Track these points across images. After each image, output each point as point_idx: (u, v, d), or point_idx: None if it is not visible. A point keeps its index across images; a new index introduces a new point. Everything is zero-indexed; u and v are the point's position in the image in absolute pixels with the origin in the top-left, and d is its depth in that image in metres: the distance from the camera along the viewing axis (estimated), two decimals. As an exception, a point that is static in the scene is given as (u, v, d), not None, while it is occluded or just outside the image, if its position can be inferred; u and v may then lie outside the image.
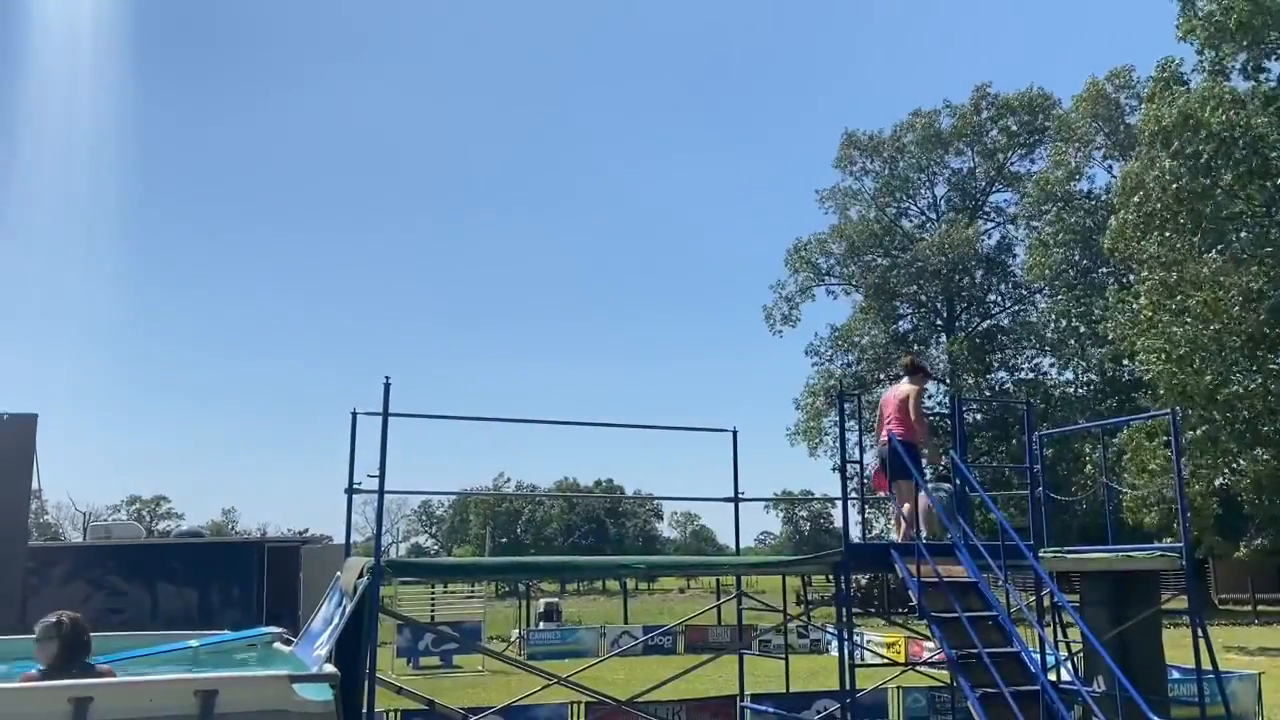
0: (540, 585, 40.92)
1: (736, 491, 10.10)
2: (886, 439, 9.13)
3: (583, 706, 10.96)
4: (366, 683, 6.89)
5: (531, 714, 10.69)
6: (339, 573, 7.95)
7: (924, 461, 9.49)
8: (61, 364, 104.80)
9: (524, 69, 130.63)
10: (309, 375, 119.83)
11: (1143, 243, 26.85)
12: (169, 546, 17.11)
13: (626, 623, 34.85)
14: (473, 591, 28.25)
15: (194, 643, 6.91)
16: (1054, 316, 44.14)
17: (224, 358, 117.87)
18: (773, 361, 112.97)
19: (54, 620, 4.98)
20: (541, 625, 32.17)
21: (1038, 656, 8.17)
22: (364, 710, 6.84)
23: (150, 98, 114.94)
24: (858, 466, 9.83)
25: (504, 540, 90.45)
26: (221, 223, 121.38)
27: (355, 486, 8.36)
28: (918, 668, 12.74)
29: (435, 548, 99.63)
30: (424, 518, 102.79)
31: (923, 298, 47.92)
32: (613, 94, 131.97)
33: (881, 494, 9.92)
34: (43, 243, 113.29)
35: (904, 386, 9.60)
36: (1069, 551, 10.70)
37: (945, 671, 9.92)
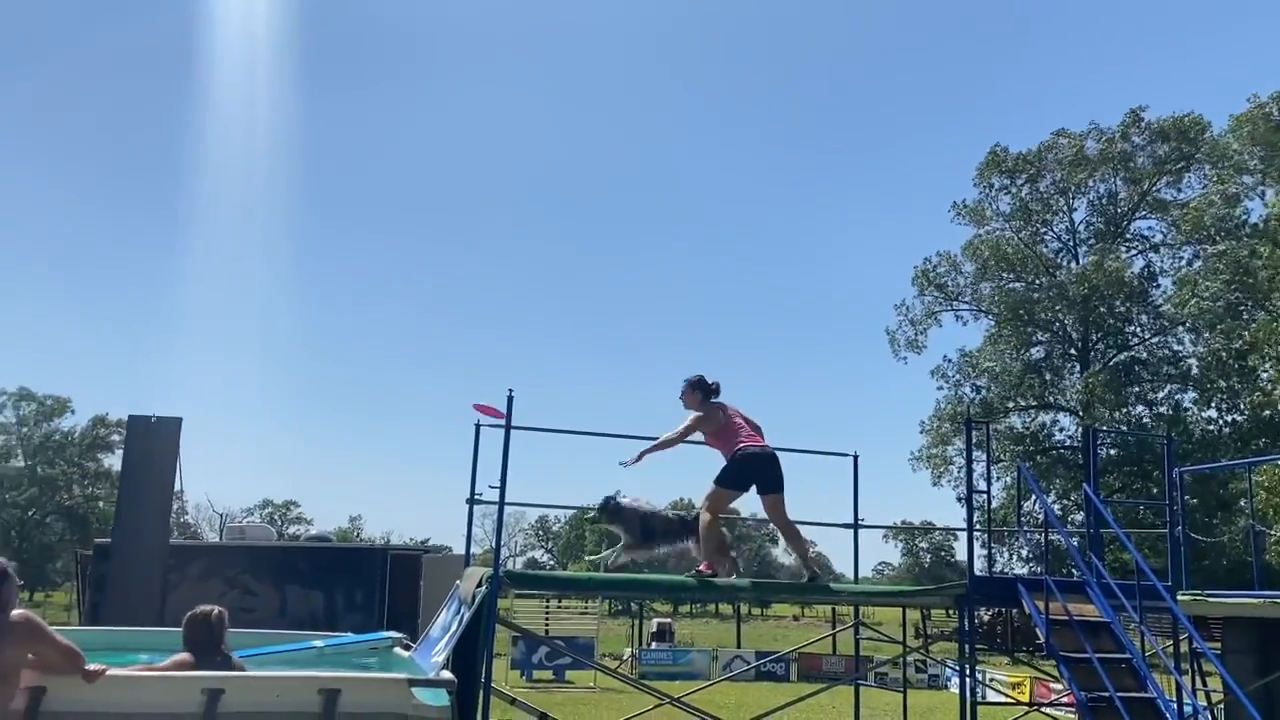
0: (652, 605, 40.93)
1: (856, 518, 9.89)
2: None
3: (694, 729, 10.85)
4: (482, 692, 6.97)
5: (643, 733, 10.61)
6: (458, 581, 8.10)
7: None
8: (204, 369, 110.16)
9: (651, 91, 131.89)
10: (437, 386, 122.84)
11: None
12: (298, 549, 17.71)
13: (739, 647, 34.51)
14: (586, 608, 28.45)
15: (319, 643, 7.13)
16: (1199, 351, 42.09)
17: (355, 367, 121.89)
18: (894, 385, 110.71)
19: (200, 612, 5.20)
20: (654, 645, 32.15)
21: (1174, 705, 7.74)
22: (478, 718, 6.92)
23: (312, 108, 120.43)
24: (984, 496, 9.51)
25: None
26: (360, 236, 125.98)
27: (476, 497, 8.53)
28: (1043, 709, 12.24)
29: (551, 563, 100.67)
30: (540, 532, 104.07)
31: (1057, 325, 46.26)
32: (743, 113, 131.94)
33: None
34: (193, 251, 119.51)
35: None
36: (1210, 595, 10.15)
37: (1072, 714, 9.50)
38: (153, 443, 12.97)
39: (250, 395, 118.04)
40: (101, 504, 65.07)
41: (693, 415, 8.41)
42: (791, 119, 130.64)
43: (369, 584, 14.84)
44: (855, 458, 9.88)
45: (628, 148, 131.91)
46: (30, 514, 68.89)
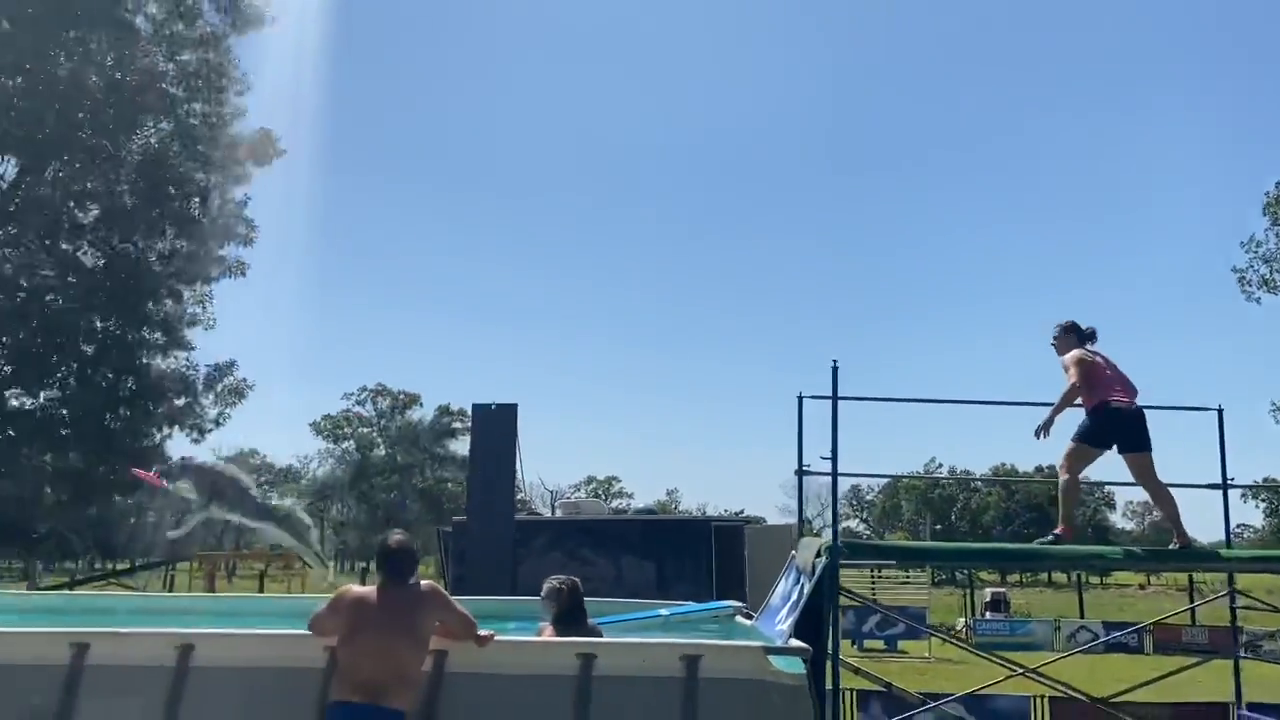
0: (979, 574, 39.34)
1: (1224, 477, 8.96)
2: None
3: (1045, 701, 10.36)
4: (830, 661, 6.99)
5: (990, 705, 10.23)
6: (793, 551, 8.17)
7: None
8: (532, 357, 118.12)
9: (950, 27, 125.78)
10: (735, 364, 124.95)
11: None
12: (629, 522, 18.61)
13: (1082, 617, 32.50)
14: (907, 577, 27.80)
15: (664, 612, 7.44)
16: None
17: (661, 350, 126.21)
18: (1243, 328, 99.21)
19: (565, 583, 5.55)
20: (988, 615, 31.00)
21: None
22: (829, 687, 6.95)
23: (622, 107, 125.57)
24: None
25: (938, 527, 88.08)
26: (670, 229, 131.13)
27: (805, 469, 8.57)
28: None
29: (867, 532, 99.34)
30: (854, 502, 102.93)
31: None
32: (1048, 47, 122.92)
33: None
34: (513, 253, 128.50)
35: None
36: None
37: None
38: (494, 429, 14.12)
39: (569, 380, 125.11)
40: (449, 485, 71.38)
41: (1074, 356, 7.93)
42: (1105, 41, 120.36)
43: (696, 555, 15.30)
44: (1220, 412, 8.97)
45: (931, 97, 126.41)
46: (392, 496, 77.05)
